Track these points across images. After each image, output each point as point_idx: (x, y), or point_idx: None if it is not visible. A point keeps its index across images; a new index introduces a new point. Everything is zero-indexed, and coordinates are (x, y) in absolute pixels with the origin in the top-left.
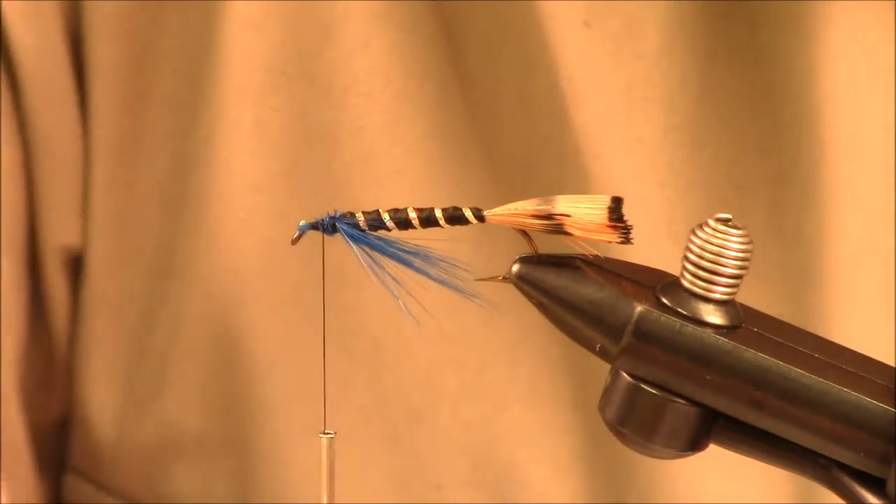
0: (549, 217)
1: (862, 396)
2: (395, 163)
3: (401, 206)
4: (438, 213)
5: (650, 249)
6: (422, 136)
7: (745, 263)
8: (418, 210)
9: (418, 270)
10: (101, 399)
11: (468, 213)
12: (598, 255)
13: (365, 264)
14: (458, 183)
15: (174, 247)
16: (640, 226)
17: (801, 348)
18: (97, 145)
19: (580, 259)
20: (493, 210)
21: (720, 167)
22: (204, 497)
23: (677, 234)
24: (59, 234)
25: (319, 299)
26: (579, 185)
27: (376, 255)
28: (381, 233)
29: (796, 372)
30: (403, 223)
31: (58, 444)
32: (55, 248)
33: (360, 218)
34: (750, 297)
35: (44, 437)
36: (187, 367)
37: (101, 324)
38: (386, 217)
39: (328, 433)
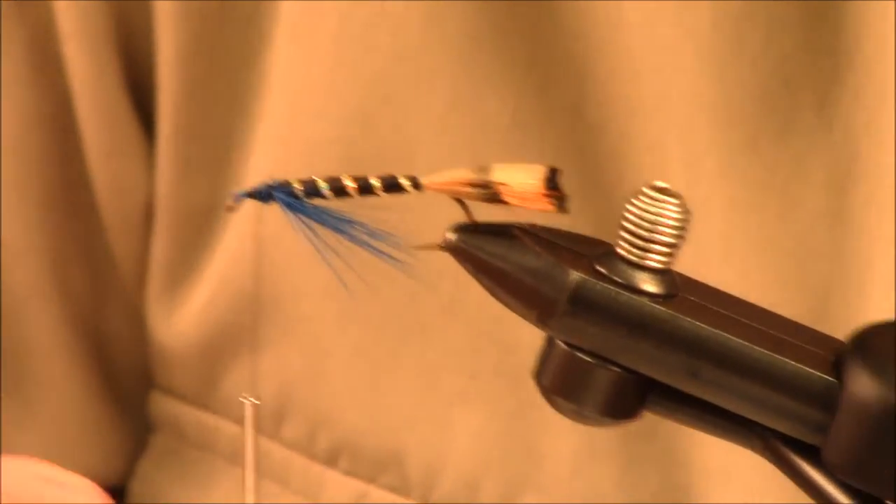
0: (485, 186)
1: (799, 365)
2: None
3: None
4: (375, 182)
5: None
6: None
7: (682, 232)
8: (354, 178)
9: (353, 239)
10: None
11: (404, 182)
12: (534, 224)
13: (302, 234)
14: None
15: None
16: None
17: (738, 317)
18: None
19: (517, 227)
20: (429, 178)
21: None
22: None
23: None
24: None
25: None
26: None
27: (315, 224)
28: (320, 202)
29: (734, 341)
30: (339, 191)
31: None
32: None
33: (297, 186)
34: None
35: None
36: None
37: None
38: (322, 185)
39: (253, 399)
